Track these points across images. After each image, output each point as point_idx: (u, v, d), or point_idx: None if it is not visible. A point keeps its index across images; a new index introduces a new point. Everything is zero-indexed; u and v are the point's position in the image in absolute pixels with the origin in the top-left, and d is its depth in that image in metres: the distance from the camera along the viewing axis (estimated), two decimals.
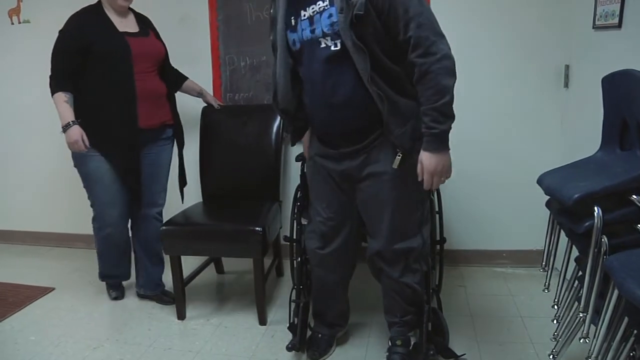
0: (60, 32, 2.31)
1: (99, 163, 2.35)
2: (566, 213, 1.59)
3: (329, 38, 1.64)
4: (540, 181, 1.72)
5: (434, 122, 1.60)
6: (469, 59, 2.71)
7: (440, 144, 1.65)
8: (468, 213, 2.88)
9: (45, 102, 2.49)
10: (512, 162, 2.78)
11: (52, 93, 2.30)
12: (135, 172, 2.42)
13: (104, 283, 2.71)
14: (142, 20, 2.48)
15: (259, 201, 2.61)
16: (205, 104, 2.82)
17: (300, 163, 2.38)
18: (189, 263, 2.47)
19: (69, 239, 3.47)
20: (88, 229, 2.57)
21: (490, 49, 2.71)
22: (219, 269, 2.98)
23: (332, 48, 1.65)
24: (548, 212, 1.77)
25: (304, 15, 1.69)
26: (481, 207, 2.87)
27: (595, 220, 1.41)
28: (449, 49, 1.59)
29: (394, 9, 1.56)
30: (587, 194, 1.44)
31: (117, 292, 2.69)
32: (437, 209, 2.33)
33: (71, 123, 2.26)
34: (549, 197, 1.70)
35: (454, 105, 1.64)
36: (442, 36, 1.59)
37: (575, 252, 1.68)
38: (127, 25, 2.38)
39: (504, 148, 2.78)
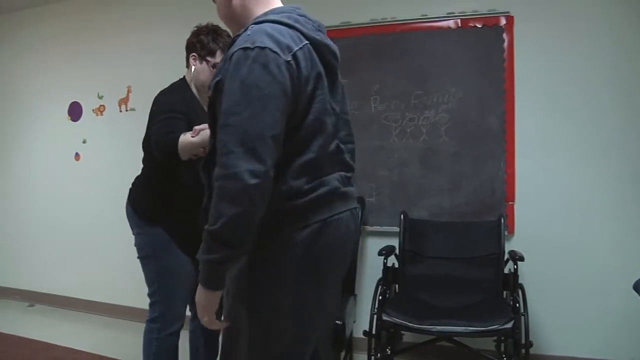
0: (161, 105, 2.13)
1: (183, 261, 2.10)
2: None
3: None
4: (637, 287, 1.64)
5: (201, 247, 1.21)
6: (554, 160, 2.74)
7: (202, 275, 1.22)
8: (556, 316, 2.72)
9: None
10: (602, 265, 2.63)
11: (173, 144, 1.86)
12: None
13: None
14: None
15: None
16: None
17: (382, 257, 2.39)
18: None
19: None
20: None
21: (574, 146, 2.69)
22: None
23: None
24: None
25: None
26: (570, 311, 2.70)
27: None
28: (250, 171, 1.12)
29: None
30: None
31: None
32: (522, 310, 2.24)
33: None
34: None
35: None
36: (251, 150, 1.13)
37: None
38: None
39: (593, 249, 2.66)
